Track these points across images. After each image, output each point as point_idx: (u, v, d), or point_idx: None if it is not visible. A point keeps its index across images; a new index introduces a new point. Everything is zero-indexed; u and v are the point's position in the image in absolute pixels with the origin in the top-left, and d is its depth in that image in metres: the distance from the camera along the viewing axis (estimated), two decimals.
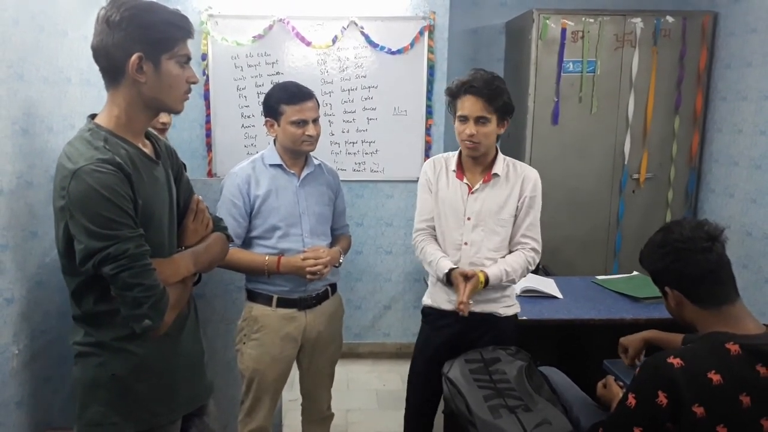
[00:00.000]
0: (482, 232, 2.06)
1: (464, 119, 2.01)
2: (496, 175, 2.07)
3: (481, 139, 2.00)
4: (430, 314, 2.19)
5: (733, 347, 1.41)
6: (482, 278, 1.98)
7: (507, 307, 2.13)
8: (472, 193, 2.07)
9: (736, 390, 1.39)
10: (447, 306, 2.10)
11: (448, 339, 2.11)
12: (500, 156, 2.11)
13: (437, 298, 2.14)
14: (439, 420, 2.23)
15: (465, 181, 2.09)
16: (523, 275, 2.08)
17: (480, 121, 1.99)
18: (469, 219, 2.07)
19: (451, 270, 2.01)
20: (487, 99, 1.98)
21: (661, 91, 3.65)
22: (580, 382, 2.06)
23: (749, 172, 3.34)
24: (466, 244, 2.07)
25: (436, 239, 2.15)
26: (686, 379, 1.39)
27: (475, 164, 2.10)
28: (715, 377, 1.39)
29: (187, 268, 1.47)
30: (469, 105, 1.99)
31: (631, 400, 1.47)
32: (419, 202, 2.18)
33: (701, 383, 1.39)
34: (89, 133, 1.35)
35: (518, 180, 2.08)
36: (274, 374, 2.16)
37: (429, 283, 2.22)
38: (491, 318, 2.10)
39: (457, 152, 2.15)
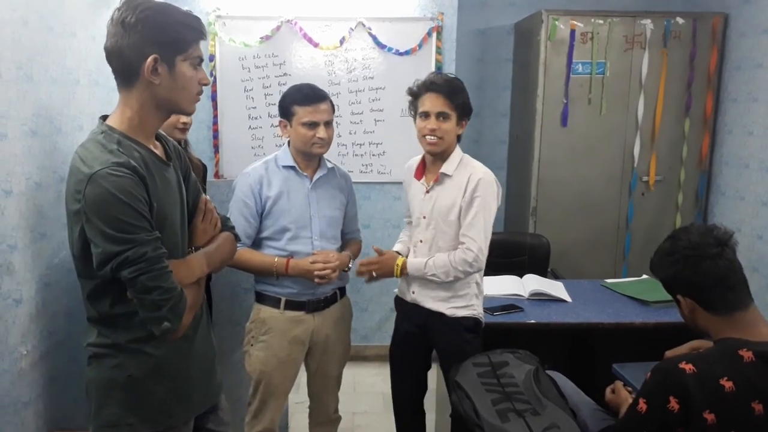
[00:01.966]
0: (434, 231, 2.13)
1: (425, 115, 2.07)
2: (445, 175, 2.11)
3: (442, 134, 2.06)
4: (398, 304, 2.32)
5: (746, 354, 1.40)
6: (399, 262, 2.13)
7: (456, 308, 2.14)
8: (428, 192, 2.14)
9: (749, 397, 1.37)
10: (407, 298, 2.23)
11: (413, 329, 2.22)
12: (455, 156, 2.13)
13: (401, 288, 2.27)
14: (446, 424, 2.22)
15: (422, 181, 2.17)
16: (449, 273, 2.06)
17: (441, 116, 2.05)
18: (424, 218, 2.14)
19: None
20: (447, 95, 2.04)
21: (671, 93, 3.63)
22: (588, 385, 2.04)
23: (760, 175, 3.30)
24: (421, 242, 2.15)
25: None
26: (698, 385, 1.38)
27: (434, 164, 2.15)
28: (728, 384, 1.37)
29: (201, 269, 1.48)
30: (430, 102, 2.06)
31: (642, 405, 1.45)
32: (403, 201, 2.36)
33: (713, 389, 1.38)
34: (102, 135, 1.35)
35: (464, 180, 2.08)
36: (281, 377, 2.15)
37: None
38: (442, 317, 2.14)
39: (422, 154, 2.22)
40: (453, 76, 2.12)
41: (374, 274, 2.17)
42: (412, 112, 2.16)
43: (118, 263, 1.26)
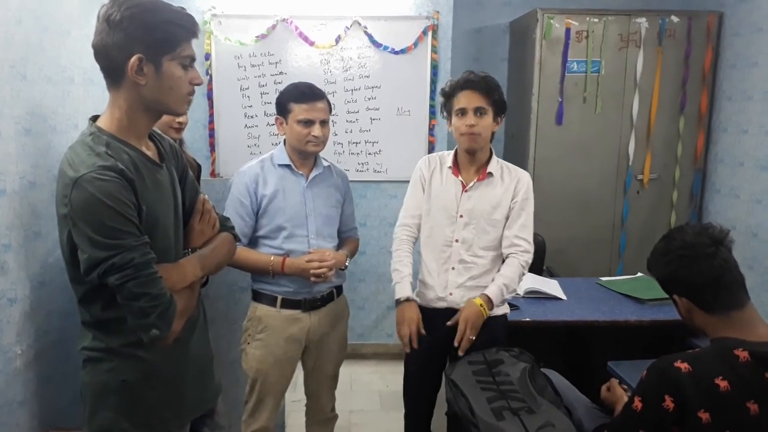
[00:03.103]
0: (474, 230, 2.08)
1: (462, 112, 2.04)
2: (490, 174, 2.10)
3: (480, 130, 2.04)
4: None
5: (742, 354, 1.40)
6: (480, 303, 1.99)
7: (497, 306, 2.11)
8: (466, 191, 2.10)
9: (744, 397, 1.38)
10: (437, 304, 2.12)
11: (439, 338, 2.12)
12: (494, 157, 2.15)
13: (426, 297, 2.15)
14: (442, 422, 2.22)
15: (460, 178, 2.12)
16: (520, 281, 2.11)
17: (478, 112, 2.03)
18: (461, 216, 2.09)
19: (407, 299, 2.08)
20: (484, 92, 2.03)
21: (666, 92, 3.64)
22: (583, 383, 2.05)
23: (755, 173, 3.32)
24: (456, 241, 2.09)
25: (415, 241, 2.18)
26: (693, 384, 1.38)
27: (471, 163, 2.12)
28: (723, 383, 1.37)
29: (194, 273, 1.43)
30: (466, 98, 2.04)
31: (638, 403, 1.46)
32: (409, 198, 2.21)
33: (708, 389, 1.38)
34: (91, 137, 1.31)
35: (512, 181, 2.11)
36: (277, 375, 2.15)
37: (418, 282, 2.23)
38: None
39: (453, 151, 2.17)
40: (487, 74, 2.09)
41: (472, 339, 1.99)
42: (446, 114, 2.12)
43: (105, 269, 1.23)
